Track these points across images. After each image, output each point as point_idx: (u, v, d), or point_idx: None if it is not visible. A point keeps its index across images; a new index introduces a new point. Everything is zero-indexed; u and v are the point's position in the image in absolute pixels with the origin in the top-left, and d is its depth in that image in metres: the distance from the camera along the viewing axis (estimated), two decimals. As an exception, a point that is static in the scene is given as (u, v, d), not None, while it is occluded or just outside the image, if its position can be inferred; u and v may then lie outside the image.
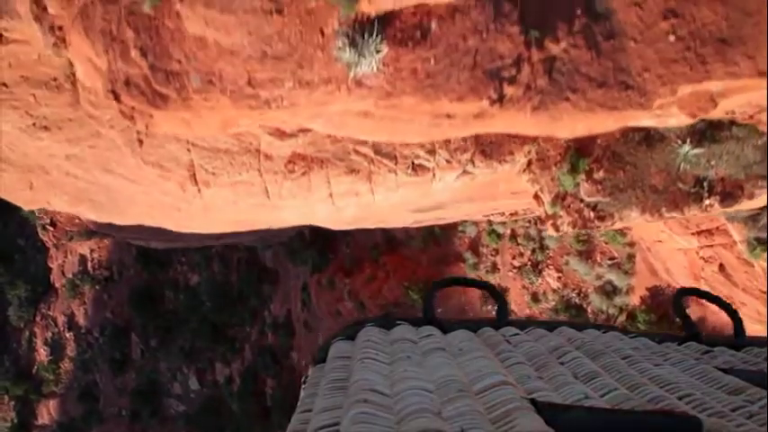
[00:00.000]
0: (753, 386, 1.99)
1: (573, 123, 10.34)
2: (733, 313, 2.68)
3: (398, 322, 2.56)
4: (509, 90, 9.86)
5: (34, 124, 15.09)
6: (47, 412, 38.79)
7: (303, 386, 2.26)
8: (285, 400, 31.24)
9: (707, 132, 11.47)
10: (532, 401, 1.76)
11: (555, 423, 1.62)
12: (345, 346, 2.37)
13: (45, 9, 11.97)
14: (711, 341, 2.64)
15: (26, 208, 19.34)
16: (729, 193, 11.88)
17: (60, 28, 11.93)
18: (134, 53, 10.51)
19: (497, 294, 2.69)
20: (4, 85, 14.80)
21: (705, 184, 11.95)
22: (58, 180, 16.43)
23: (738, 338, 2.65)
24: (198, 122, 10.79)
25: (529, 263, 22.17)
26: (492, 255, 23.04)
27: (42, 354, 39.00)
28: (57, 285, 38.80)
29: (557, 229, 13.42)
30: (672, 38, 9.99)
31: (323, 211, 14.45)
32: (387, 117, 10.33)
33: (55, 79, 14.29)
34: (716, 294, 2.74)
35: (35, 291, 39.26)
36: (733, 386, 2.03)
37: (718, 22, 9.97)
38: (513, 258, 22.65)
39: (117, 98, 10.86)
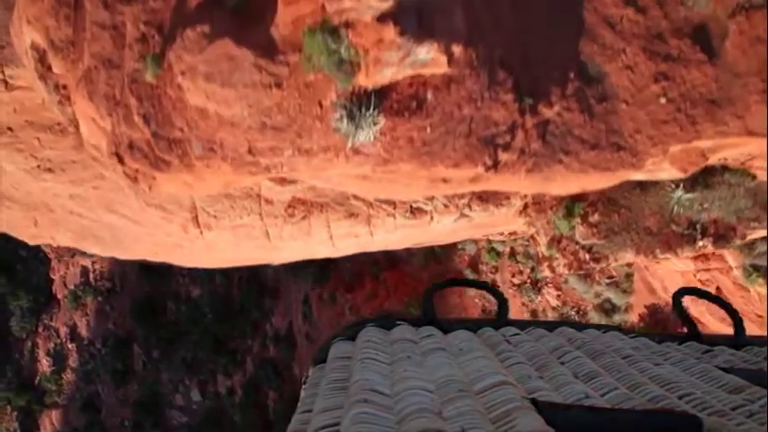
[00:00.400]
0: (753, 385, 1.98)
1: (566, 183, 10.59)
2: (733, 313, 2.68)
3: (399, 322, 2.56)
4: (504, 156, 10.09)
5: (38, 166, 15.47)
6: (49, 423, 38.65)
7: (303, 386, 2.26)
8: (287, 412, 31.20)
9: (699, 178, 11.68)
10: (533, 401, 1.76)
11: (555, 422, 1.62)
12: (346, 347, 2.37)
13: (50, 68, 12.22)
14: (711, 340, 2.64)
15: (31, 243, 19.58)
16: (722, 235, 12.09)
17: (65, 87, 12.21)
18: (137, 119, 10.78)
19: (497, 294, 2.69)
20: (9, 129, 15.32)
21: (698, 226, 12.16)
22: (62, 218, 16.73)
23: (738, 338, 2.64)
24: (200, 184, 11.10)
25: (528, 280, 22.34)
26: (491, 272, 23.22)
27: (45, 364, 38.87)
28: (59, 296, 38.69)
29: (553, 270, 13.66)
30: (663, 100, 10.24)
31: (323, 251, 14.70)
32: (384, 180, 10.57)
33: (59, 124, 14.61)
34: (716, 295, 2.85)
35: (37, 301, 39.13)
36: (733, 385, 2.02)
37: (708, 83, 10.22)
38: (513, 276, 22.84)
39: (120, 161, 11.14)
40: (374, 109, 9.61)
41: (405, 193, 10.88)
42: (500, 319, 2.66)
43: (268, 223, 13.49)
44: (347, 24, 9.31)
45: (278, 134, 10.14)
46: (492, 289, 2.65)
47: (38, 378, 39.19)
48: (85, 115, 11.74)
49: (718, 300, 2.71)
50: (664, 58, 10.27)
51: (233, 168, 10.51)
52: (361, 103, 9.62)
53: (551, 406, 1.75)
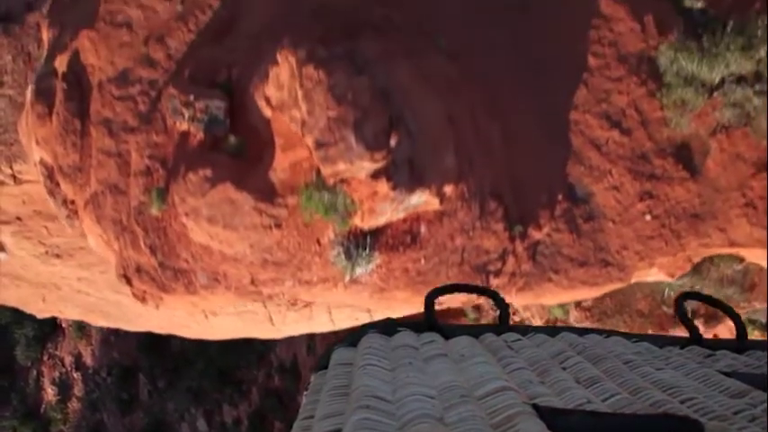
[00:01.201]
0: (755, 389, 1.95)
1: (556, 297, 10.88)
2: (735, 317, 2.64)
3: (400, 329, 2.54)
4: (495, 281, 10.61)
5: (47, 252, 16.12)
6: (54, 452, 37.91)
7: (305, 393, 2.26)
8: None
9: (690, 263, 11.87)
10: (534, 406, 1.75)
11: (557, 428, 1.61)
12: (347, 353, 2.34)
13: (58, 184, 12.64)
14: (713, 345, 2.60)
15: (39, 316, 20.20)
16: (713, 315, 12.31)
17: (73, 202, 12.62)
18: (144, 248, 11.32)
19: (499, 300, 2.65)
20: (18, 218, 15.96)
21: (689, 307, 12.29)
22: (69, 296, 17.22)
23: (740, 342, 2.61)
24: (206, 303, 11.82)
25: (530, 317, 22.12)
26: (493, 310, 22.81)
27: (50, 393, 38.21)
28: (63, 326, 38.20)
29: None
30: (648, 217, 10.62)
31: (325, 328, 15.00)
32: (382, 302, 11.07)
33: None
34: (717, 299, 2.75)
35: (42, 330, 38.77)
36: (735, 389, 1.99)
37: (691, 199, 10.64)
38: (514, 314, 22.49)
39: (129, 282, 11.69)
40: (370, 249, 10.16)
41: (402, 311, 11.18)
42: (501, 324, 2.67)
43: (272, 310, 13.86)
44: (342, 180, 9.83)
45: (279, 268, 10.72)
46: (494, 294, 2.64)
47: (43, 407, 38.36)
48: (93, 232, 12.16)
49: (720, 304, 2.72)
50: (648, 178, 10.71)
51: (237, 296, 11.25)
52: (357, 242, 10.22)
53: (553, 411, 1.74)
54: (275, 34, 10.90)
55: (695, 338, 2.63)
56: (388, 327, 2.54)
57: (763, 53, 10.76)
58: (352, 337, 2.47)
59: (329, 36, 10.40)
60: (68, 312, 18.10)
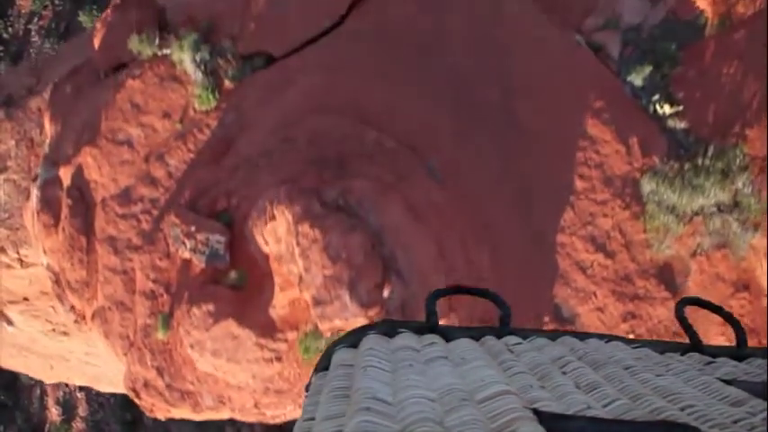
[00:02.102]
0: (755, 398, 1.94)
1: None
2: (735, 324, 2.62)
3: (401, 330, 2.51)
4: None
5: (54, 330, 16.65)
6: (59, 472, 37.83)
7: (306, 393, 2.22)
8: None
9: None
10: (535, 411, 1.73)
11: None
12: (348, 355, 2.32)
13: (65, 290, 12.75)
14: (714, 352, 2.58)
15: (47, 382, 20.45)
16: None
17: (81, 311, 12.80)
18: (151, 367, 12.07)
19: (500, 303, 2.63)
20: (26, 299, 16.53)
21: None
22: (77, 366, 17.83)
23: (741, 349, 2.58)
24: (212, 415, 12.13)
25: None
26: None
27: (54, 413, 37.38)
28: None
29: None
30: (631, 336, 10.67)
31: None
32: None
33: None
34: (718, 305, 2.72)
35: None
36: (735, 397, 1.97)
37: (672, 317, 10.72)
38: None
39: (137, 396, 12.51)
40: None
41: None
42: (502, 328, 2.65)
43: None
44: (339, 330, 10.29)
45: (280, 395, 11.31)
46: (495, 297, 2.61)
47: (47, 426, 37.44)
48: (101, 341, 12.41)
49: (720, 310, 2.70)
50: (631, 298, 10.90)
51: (241, 415, 11.68)
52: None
53: (553, 416, 1.73)
54: (272, 166, 11.63)
55: (695, 345, 2.63)
56: (388, 328, 2.52)
57: (740, 183, 11.15)
58: (352, 338, 2.46)
59: (323, 177, 10.90)
60: (76, 380, 19.08)
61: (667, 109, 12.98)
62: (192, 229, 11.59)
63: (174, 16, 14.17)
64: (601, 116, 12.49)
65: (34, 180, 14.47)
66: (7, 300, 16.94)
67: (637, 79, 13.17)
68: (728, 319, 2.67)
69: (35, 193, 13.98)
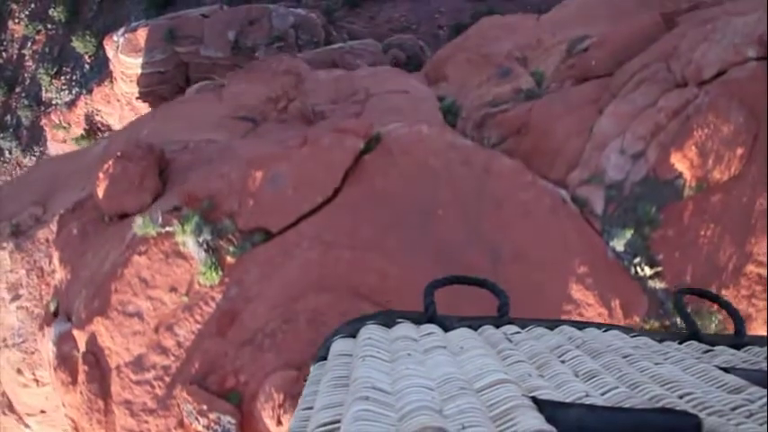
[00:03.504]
0: (753, 385, 1.95)
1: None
2: (734, 312, 2.63)
3: (399, 320, 2.52)
4: None
5: None
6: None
7: (305, 383, 2.23)
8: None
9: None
10: (533, 399, 1.74)
11: (556, 421, 1.60)
12: (346, 344, 2.34)
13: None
14: (712, 340, 2.60)
15: None
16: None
17: None
18: None
19: (499, 292, 2.63)
20: (43, 411, 17.57)
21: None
22: None
23: (739, 337, 2.60)
24: None
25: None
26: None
27: None
28: None
29: None
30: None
31: None
32: None
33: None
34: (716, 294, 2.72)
35: None
36: (733, 385, 1.99)
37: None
38: None
39: None
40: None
41: None
42: (501, 317, 2.66)
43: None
44: None
45: None
46: (493, 287, 2.61)
47: None
48: None
49: (718, 299, 2.71)
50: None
51: None
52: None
53: (552, 404, 1.74)
54: (276, 346, 12.39)
55: (693, 333, 2.63)
56: (387, 318, 2.53)
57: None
58: (351, 327, 2.46)
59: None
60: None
61: (648, 270, 13.60)
62: (205, 407, 12.17)
63: (175, 193, 15.01)
64: (585, 281, 13.14)
65: (48, 324, 15.22)
66: (25, 412, 17.83)
67: (619, 245, 13.85)
68: (726, 307, 2.68)
69: (51, 347, 14.68)
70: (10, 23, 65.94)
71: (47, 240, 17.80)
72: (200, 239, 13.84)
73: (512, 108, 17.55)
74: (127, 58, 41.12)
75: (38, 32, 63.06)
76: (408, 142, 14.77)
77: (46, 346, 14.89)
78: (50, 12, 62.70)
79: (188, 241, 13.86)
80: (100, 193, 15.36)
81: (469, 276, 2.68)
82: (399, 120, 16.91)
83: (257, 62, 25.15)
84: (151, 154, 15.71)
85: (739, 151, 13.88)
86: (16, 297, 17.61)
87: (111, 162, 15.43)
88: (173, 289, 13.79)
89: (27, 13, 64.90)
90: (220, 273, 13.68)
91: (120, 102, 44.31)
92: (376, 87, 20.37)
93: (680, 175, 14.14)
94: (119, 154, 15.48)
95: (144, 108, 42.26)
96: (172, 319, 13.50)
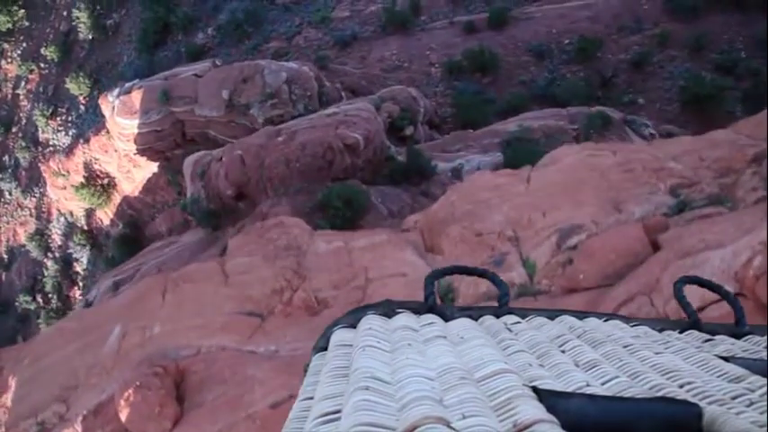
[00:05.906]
0: (753, 374, 1.95)
1: None
2: (734, 302, 2.63)
3: (399, 310, 2.51)
4: None
5: None
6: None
7: (305, 374, 2.23)
8: None
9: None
10: (534, 389, 1.74)
11: (556, 410, 1.59)
12: (347, 334, 2.33)
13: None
14: (712, 330, 2.60)
15: None
16: None
17: None
18: None
19: (499, 282, 2.61)
20: None
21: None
22: None
23: (739, 327, 2.60)
24: None
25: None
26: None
27: None
28: None
29: None
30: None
31: None
32: None
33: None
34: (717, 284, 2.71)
35: None
36: (733, 374, 1.99)
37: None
38: None
39: None
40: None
41: None
42: (501, 307, 2.64)
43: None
44: None
45: None
46: (493, 277, 2.60)
47: None
48: None
49: (719, 289, 2.69)
50: None
51: None
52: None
53: (552, 394, 1.74)
54: None
55: (694, 323, 2.63)
56: (387, 308, 2.52)
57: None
58: (351, 318, 2.46)
59: None
60: None
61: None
62: None
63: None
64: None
65: None
66: None
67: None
68: (727, 297, 2.67)
69: None
70: (3, 63, 65.83)
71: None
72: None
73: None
74: (123, 120, 41.57)
75: (31, 72, 62.91)
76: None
77: None
78: (42, 51, 62.42)
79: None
80: (122, 417, 16.15)
81: (470, 267, 2.65)
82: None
83: (255, 227, 24.75)
84: (168, 376, 16.44)
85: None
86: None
87: (131, 391, 16.07)
88: None
89: (19, 52, 64.75)
90: None
91: (117, 152, 44.61)
92: (375, 269, 20.51)
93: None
94: (138, 384, 16.17)
95: (142, 161, 43.25)
96: None
